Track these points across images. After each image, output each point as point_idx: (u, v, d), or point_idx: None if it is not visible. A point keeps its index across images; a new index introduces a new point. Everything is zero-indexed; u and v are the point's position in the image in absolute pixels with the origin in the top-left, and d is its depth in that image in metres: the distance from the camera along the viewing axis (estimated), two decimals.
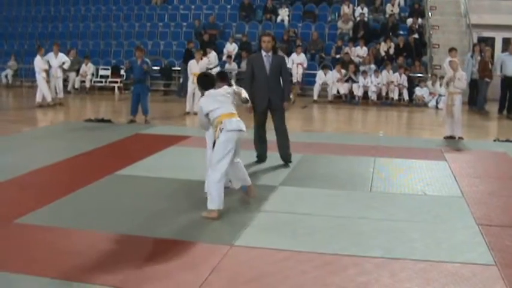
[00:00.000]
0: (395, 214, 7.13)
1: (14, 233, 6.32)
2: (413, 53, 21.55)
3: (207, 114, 7.14)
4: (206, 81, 7.34)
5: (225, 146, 6.95)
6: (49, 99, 18.27)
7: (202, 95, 7.31)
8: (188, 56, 20.00)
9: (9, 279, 5.09)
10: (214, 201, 6.88)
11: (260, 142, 9.91)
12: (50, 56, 18.93)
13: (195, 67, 16.71)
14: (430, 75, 20.52)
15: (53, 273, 5.17)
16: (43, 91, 18.30)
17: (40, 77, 18.28)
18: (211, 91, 7.23)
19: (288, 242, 6.04)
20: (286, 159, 9.81)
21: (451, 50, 15.07)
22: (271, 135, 9.80)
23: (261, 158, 9.94)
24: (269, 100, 9.56)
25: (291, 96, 10.04)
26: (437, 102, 18.95)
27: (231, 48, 22.72)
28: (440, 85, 17.53)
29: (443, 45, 21.67)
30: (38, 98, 18.29)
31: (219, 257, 5.61)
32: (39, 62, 18.41)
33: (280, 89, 9.62)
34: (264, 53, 9.61)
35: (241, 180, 7.56)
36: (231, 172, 7.37)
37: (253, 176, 8.99)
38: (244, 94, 7.53)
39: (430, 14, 23.43)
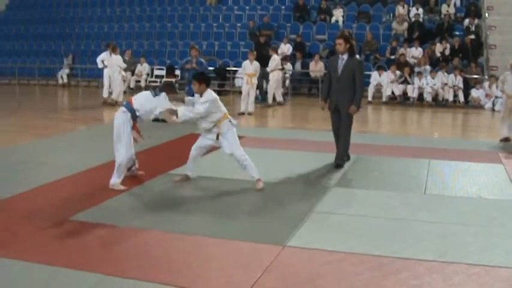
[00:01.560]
0: (449, 217, 7.06)
1: (69, 230, 6.46)
2: (469, 54, 21.25)
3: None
4: (208, 79, 8.48)
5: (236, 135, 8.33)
6: (106, 95, 18.72)
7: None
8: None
9: (64, 274, 5.22)
10: (257, 171, 8.24)
11: (336, 142, 9.94)
12: (104, 55, 19.25)
13: (249, 68, 16.80)
14: (486, 76, 20.20)
15: (106, 270, 5.29)
16: (116, 89, 18.76)
17: (120, 76, 18.73)
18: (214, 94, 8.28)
19: (341, 244, 6.03)
20: (337, 162, 9.72)
21: None
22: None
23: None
24: (336, 102, 9.64)
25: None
26: (493, 104, 18.65)
27: (285, 49, 22.69)
28: (497, 87, 17.25)
29: (500, 46, 21.36)
30: (118, 97, 18.68)
31: (271, 257, 5.63)
32: (118, 61, 18.90)
33: (351, 93, 9.51)
34: (339, 55, 9.61)
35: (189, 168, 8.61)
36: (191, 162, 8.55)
37: (307, 176, 9.03)
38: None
39: (486, 14, 23.10)
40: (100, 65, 19.13)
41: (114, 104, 18.26)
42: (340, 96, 9.55)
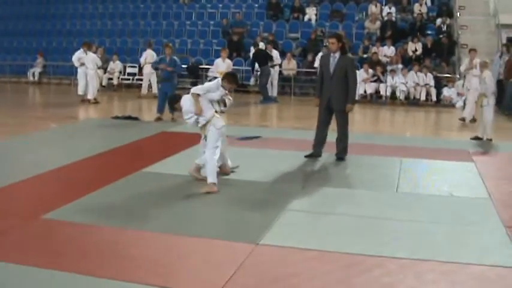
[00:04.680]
0: (421, 215, 7.08)
1: (41, 228, 6.38)
2: (444, 53, 21.38)
3: None
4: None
5: None
6: (82, 92, 18.83)
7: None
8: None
9: (34, 273, 5.15)
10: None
11: (316, 139, 10.15)
12: (80, 53, 19.24)
13: (221, 65, 16.79)
14: (458, 75, 20.29)
15: (78, 269, 5.22)
16: (91, 87, 18.79)
17: (96, 74, 18.97)
18: None
19: (313, 242, 6.02)
20: (339, 156, 10.10)
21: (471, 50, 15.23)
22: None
23: (313, 153, 10.19)
24: (329, 100, 9.84)
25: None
26: (464, 103, 18.74)
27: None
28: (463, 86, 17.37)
29: (472, 46, 21.45)
30: (90, 96, 18.70)
31: (244, 255, 5.61)
32: (95, 59, 19.18)
33: (344, 91, 9.76)
34: (331, 53, 9.85)
35: None
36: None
37: (280, 174, 9.02)
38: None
39: (458, 13, 23.27)
40: (77, 64, 19.08)
41: (94, 102, 18.32)
42: (333, 93, 9.79)
